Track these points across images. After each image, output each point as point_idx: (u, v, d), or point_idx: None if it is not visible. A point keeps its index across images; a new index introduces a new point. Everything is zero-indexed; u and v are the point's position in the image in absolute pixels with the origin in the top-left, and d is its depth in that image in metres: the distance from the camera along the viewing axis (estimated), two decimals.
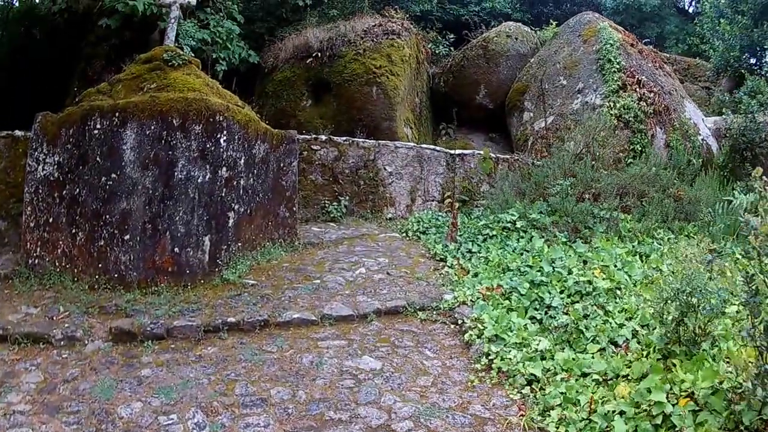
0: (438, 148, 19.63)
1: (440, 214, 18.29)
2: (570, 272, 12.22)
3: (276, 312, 11.51)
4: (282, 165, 15.37)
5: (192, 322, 10.99)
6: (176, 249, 12.77)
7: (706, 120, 22.61)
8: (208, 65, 19.94)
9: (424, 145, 19.44)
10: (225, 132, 13.56)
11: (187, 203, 13.01)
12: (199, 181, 13.18)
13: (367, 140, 18.50)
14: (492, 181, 19.53)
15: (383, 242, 16.01)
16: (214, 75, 19.04)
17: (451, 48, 26.71)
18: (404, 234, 16.82)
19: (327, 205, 17.88)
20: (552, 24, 25.53)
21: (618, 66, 21.03)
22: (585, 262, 12.99)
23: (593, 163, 16.97)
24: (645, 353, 8.80)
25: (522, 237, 14.97)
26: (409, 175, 18.88)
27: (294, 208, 15.63)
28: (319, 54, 21.79)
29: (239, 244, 13.89)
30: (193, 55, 15.75)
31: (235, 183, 13.79)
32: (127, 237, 12.70)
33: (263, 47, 23.95)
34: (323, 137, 18.07)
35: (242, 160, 14.02)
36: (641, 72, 21.26)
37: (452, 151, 19.69)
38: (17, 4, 28.69)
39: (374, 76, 21.14)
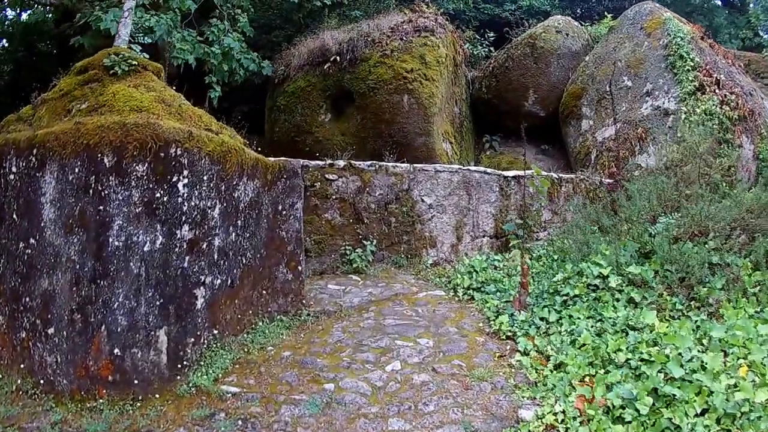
0: (488, 170, 14.42)
1: (496, 257, 13.17)
2: (714, 375, 7.18)
3: None
4: (280, 208, 10.41)
5: None
6: (116, 350, 8.02)
7: None
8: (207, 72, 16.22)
9: (471, 168, 14.30)
10: (186, 171, 8.60)
11: (128, 282, 8.15)
12: (145, 248, 8.25)
13: (398, 164, 13.29)
14: (555, 207, 14.82)
15: (424, 307, 10.89)
16: (210, 102, 15.86)
17: (491, 49, 21.15)
18: (451, 291, 11.69)
19: (348, 252, 12.80)
20: (607, 17, 20.73)
21: (692, 63, 16.33)
22: (725, 353, 7.81)
23: (699, 189, 11.52)
24: None
25: (618, 299, 9.79)
26: (453, 206, 13.71)
27: (299, 267, 10.57)
28: (338, 58, 16.64)
29: (216, 331, 9.03)
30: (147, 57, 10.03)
31: (204, 245, 8.86)
32: (51, 330, 8.21)
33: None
34: (341, 163, 12.91)
35: (217, 210, 9.04)
36: (717, 70, 16.46)
37: (506, 174, 14.56)
38: (25, 17, 25.89)
39: (405, 81, 16.04)
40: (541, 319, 9.63)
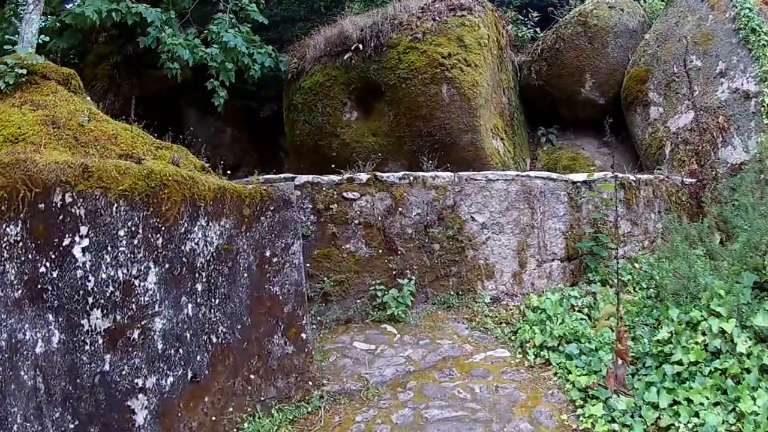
0: (553, 175, 10.59)
1: (572, 292, 9.34)
2: None
3: None
4: (269, 254, 6.82)
5: None
6: None
7: None
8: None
9: (531, 173, 10.44)
10: (84, 228, 5.21)
11: (23, 399, 4.87)
12: (37, 350, 4.95)
13: (438, 173, 9.63)
14: (634, 215, 11.10)
15: (482, 382, 7.14)
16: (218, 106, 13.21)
17: (536, 30, 17.14)
18: (518, 349, 7.97)
19: (380, 294, 9.11)
20: None
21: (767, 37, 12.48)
22: None
23: None
24: None
25: (749, 370, 6.08)
26: (512, 224, 9.93)
27: (303, 334, 6.98)
28: (360, 46, 12.80)
29: None
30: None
31: (135, 335, 5.46)
32: None
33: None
34: (363, 177, 9.30)
35: (151, 278, 5.61)
36: None
37: (575, 178, 10.70)
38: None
39: (442, 69, 12.13)
40: (650, 405, 6.03)
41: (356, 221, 9.07)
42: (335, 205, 8.98)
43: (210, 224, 6.00)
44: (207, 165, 6.78)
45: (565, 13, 16.40)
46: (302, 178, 8.99)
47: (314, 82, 13.25)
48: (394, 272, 9.14)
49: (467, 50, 12.22)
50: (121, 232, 5.21)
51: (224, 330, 6.06)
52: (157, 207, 5.43)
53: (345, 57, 12.70)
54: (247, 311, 6.32)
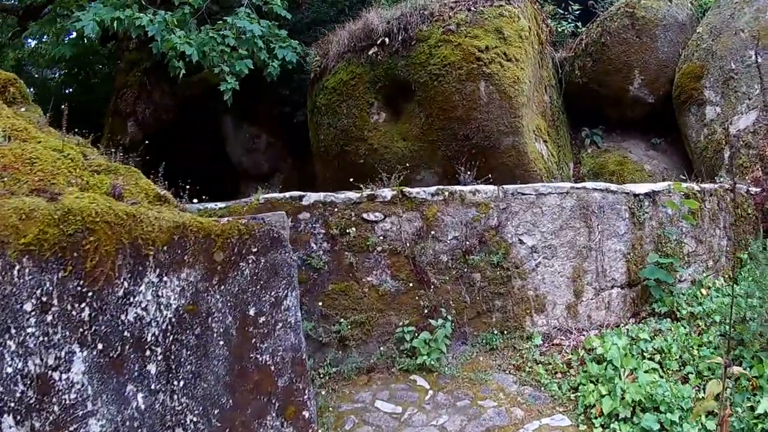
0: (613, 187, 8.51)
1: (641, 333, 7.30)
2: None
3: None
4: (253, 313, 4.86)
5: None
6: None
7: None
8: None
9: (588, 185, 8.37)
10: None
11: None
12: None
13: (479, 187, 7.75)
14: (699, 232, 9.03)
15: None
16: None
17: (578, 24, 15.05)
18: (580, 416, 5.99)
19: (408, 336, 7.18)
20: None
21: None
22: None
23: None
24: None
25: None
26: (567, 246, 7.95)
27: (305, 413, 4.98)
28: (386, 39, 10.78)
29: None
30: None
31: None
32: None
33: None
34: (386, 194, 7.39)
35: (78, 363, 3.69)
36: None
37: (637, 190, 8.63)
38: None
39: (479, 64, 10.09)
40: None
41: (379, 248, 7.21)
42: (353, 228, 7.13)
43: (165, 279, 4.20)
44: (165, 192, 4.91)
45: (607, 5, 14.33)
46: (312, 197, 7.18)
47: (338, 81, 11.34)
48: (425, 310, 7.26)
49: (507, 43, 10.26)
50: (27, 306, 3.37)
51: (195, 419, 4.23)
52: (78, 263, 3.59)
53: (370, 52, 10.78)
54: (227, 390, 4.46)
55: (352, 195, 7.24)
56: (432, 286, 7.22)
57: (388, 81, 10.81)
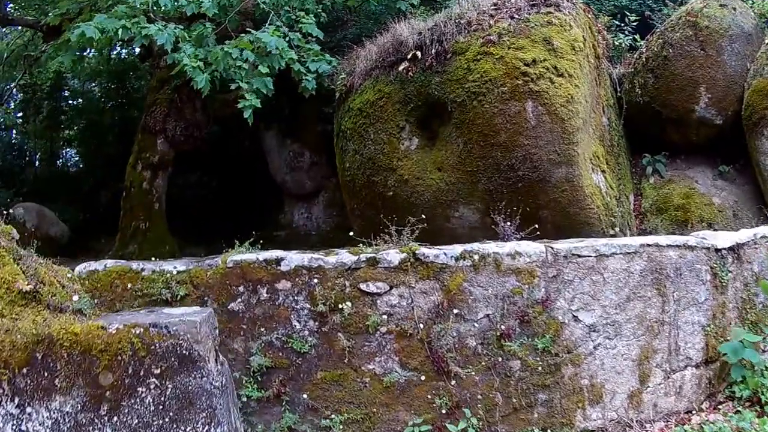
0: (692, 241, 6.11)
1: None
2: None
3: None
4: None
5: None
6: None
7: None
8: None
9: (662, 241, 5.90)
10: None
11: None
12: None
13: (521, 247, 5.43)
14: None
15: None
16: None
17: (635, 37, 12.62)
18: None
19: None
20: None
21: None
22: None
23: None
24: None
25: None
26: (635, 322, 5.66)
27: None
28: (418, 53, 8.67)
29: None
30: None
31: None
32: None
33: None
34: (393, 257, 5.21)
35: None
36: None
37: (719, 244, 6.29)
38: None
39: (525, 80, 7.91)
40: None
41: (383, 329, 5.10)
42: (348, 303, 5.03)
43: (29, 410, 2.81)
44: (33, 287, 3.07)
45: (666, 16, 12.11)
46: (293, 261, 5.14)
47: (364, 102, 9.21)
48: (445, 407, 5.07)
49: (557, 56, 8.07)
50: None
51: None
52: None
53: (400, 68, 8.63)
54: None
55: (347, 258, 5.16)
56: (454, 377, 5.06)
57: (421, 101, 8.65)
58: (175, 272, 5.25)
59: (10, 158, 22.27)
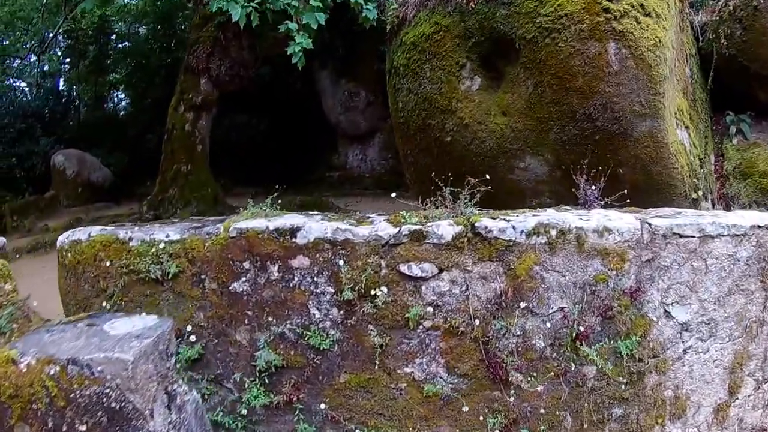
0: None
1: None
2: None
3: None
4: None
5: None
6: None
7: None
8: None
9: None
10: None
11: None
12: None
13: (611, 221, 4.00)
14: None
15: None
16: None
17: None
18: None
19: None
20: None
21: None
22: None
23: None
24: None
25: None
26: (733, 320, 4.14)
27: None
28: None
29: None
30: None
31: None
32: None
33: None
34: (443, 230, 3.74)
35: None
36: None
37: None
38: None
39: (607, 18, 6.22)
40: None
41: (427, 323, 3.69)
42: (383, 288, 3.65)
43: None
44: None
45: None
46: (312, 231, 3.74)
47: (419, 35, 7.71)
48: (499, 425, 3.73)
49: None
50: None
51: None
52: None
53: None
54: None
55: (384, 229, 3.73)
56: (513, 387, 3.72)
57: (484, 36, 7.13)
58: (167, 240, 4.02)
59: (51, 105, 21.68)
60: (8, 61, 22.31)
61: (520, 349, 3.71)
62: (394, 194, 4.59)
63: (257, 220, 3.89)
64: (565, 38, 6.30)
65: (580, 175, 4.82)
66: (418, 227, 3.68)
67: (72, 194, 16.60)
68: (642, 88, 6.29)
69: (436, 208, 4.00)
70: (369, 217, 3.96)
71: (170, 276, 3.98)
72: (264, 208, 4.19)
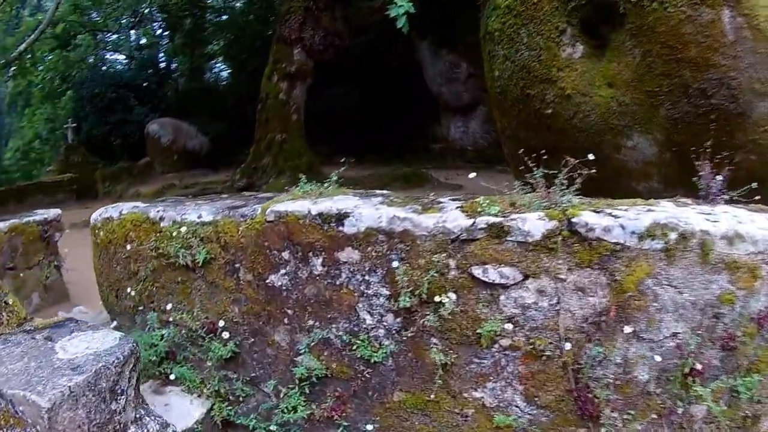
0: None
1: None
2: None
3: None
4: None
5: None
6: None
7: None
8: None
9: None
10: None
11: None
12: None
13: (742, 225, 2.96)
14: None
15: None
16: None
17: None
18: None
19: None
20: None
21: None
22: None
23: None
24: None
25: None
26: None
27: None
28: None
29: None
30: None
31: None
32: None
33: None
34: (530, 226, 2.83)
35: None
36: None
37: None
38: None
39: None
40: None
41: (504, 341, 2.86)
42: (451, 295, 2.84)
43: None
44: None
45: None
46: (363, 218, 2.95)
47: None
48: None
49: None
50: None
51: None
52: None
53: None
54: None
55: (454, 220, 2.87)
56: (604, 426, 2.87)
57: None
58: (198, 224, 3.37)
59: (146, 76, 21.92)
60: (100, 36, 22.73)
61: (618, 381, 2.87)
62: (473, 174, 3.74)
63: (299, 201, 3.15)
64: (675, 3, 5.37)
65: (702, 159, 3.85)
66: (498, 220, 2.83)
67: (167, 161, 16.92)
68: (761, 62, 5.32)
69: (528, 192, 3.15)
70: (439, 202, 3.12)
71: (201, 263, 3.36)
72: (325, 186, 3.45)
